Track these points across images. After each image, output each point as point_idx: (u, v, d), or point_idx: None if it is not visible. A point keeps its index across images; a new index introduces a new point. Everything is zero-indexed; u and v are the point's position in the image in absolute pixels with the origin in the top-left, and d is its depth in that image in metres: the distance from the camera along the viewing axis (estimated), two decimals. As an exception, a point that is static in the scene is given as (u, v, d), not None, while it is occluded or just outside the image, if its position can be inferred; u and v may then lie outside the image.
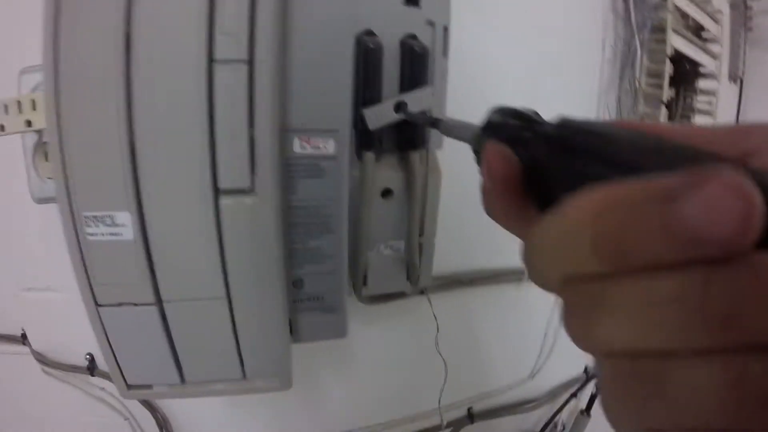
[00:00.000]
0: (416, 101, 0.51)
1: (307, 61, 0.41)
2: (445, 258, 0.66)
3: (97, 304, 0.40)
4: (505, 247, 0.83)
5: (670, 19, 0.85)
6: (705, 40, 1.00)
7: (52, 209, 0.63)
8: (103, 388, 0.74)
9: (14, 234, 0.67)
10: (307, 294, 0.49)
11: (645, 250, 0.12)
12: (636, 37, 0.84)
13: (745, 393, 0.11)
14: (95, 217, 0.37)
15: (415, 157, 0.55)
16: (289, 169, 0.43)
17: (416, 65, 0.52)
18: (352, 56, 0.43)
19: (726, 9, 1.13)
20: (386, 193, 0.56)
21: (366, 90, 0.49)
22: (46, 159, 0.59)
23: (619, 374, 0.14)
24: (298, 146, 0.42)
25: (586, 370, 1.08)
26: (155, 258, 0.38)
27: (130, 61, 0.34)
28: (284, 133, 0.41)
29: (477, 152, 0.24)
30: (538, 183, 0.20)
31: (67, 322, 0.69)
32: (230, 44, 0.35)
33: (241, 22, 0.35)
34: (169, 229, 0.37)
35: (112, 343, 0.41)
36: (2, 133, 0.50)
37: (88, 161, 0.36)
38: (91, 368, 0.72)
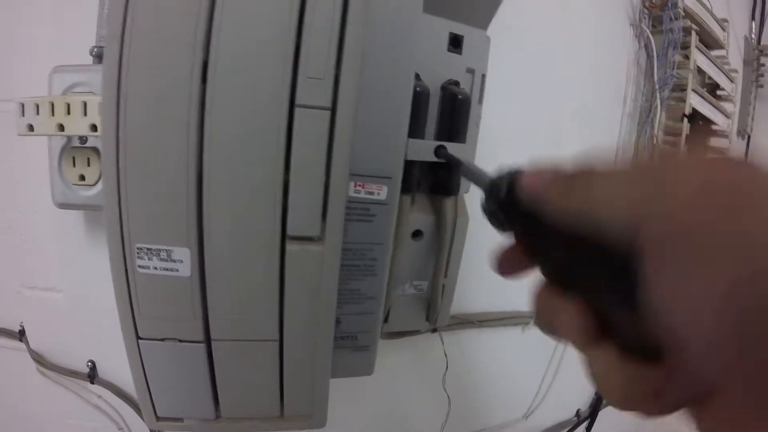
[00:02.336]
0: (454, 150, 0.52)
1: (370, 106, 0.41)
2: (457, 299, 0.66)
3: (138, 337, 0.38)
4: (513, 292, 0.84)
5: (691, 78, 0.88)
6: (719, 98, 1.03)
7: (71, 214, 0.62)
8: (100, 396, 0.72)
9: (26, 231, 0.66)
10: (342, 332, 0.48)
11: None
12: (657, 94, 0.86)
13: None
14: (149, 249, 0.35)
15: (448, 202, 0.55)
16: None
17: (457, 111, 0.52)
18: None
19: (740, 67, 1.17)
20: (416, 234, 0.56)
21: (410, 130, 0.49)
22: (74, 164, 0.58)
23: None
24: (352, 190, 0.42)
25: (578, 413, 1.09)
26: (210, 297, 0.37)
27: (206, 91, 0.33)
28: None
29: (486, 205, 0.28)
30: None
31: (70, 325, 0.68)
32: (315, 90, 0.34)
33: (328, 67, 0.34)
34: (230, 270, 0.36)
35: (147, 375, 0.40)
36: (30, 133, 0.48)
37: (149, 190, 0.34)
38: (92, 376, 0.70)
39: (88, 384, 0.70)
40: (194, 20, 0.32)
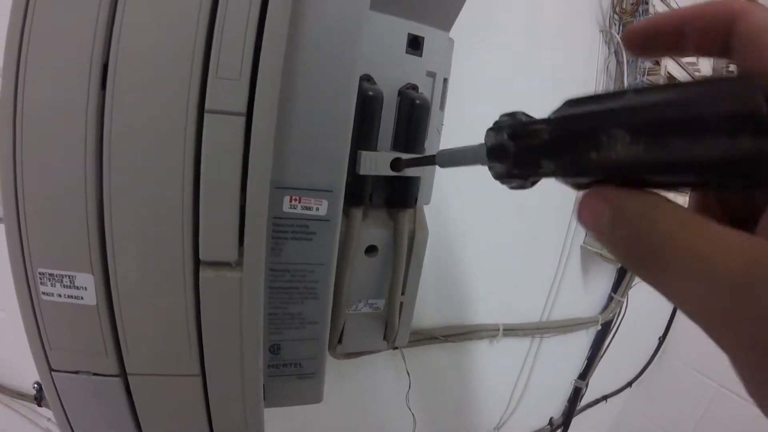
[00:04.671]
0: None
1: (306, 112, 0.37)
2: (420, 313, 0.63)
3: (50, 369, 0.35)
4: (480, 304, 0.82)
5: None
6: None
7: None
8: (49, 419, 0.69)
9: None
10: (283, 360, 0.45)
11: None
12: (627, 99, 0.84)
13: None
14: (52, 275, 0.32)
15: (405, 215, 0.52)
16: (275, 228, 0.39)
17: (415, 118, 0.49)
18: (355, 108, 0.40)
19: (709, 73, 1.16)
20: (371, 249, 0.53)
21: (360, 139, 0.46)
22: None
23: None
24: (287, 205, 0.39)
25: (551, 421, 1.07)
26: (120, 328, 0.33)
27: (105, 98, 0.29)
28: (273, 188, 0.37)
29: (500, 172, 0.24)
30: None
31: (14, 345, 0.64)
32: (227, 92, 0.30)
33: (244, 66, 0.30)
34: (139, 298, 0.33)
35: (66, 409, 0.36)
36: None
37: (47, 210, 0.31)
38: (39, 398, 0.67)
39: (36, 406, 0.67)
40: (94, 16, 0.29)
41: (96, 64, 0.29)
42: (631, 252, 0.17)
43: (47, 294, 0.33)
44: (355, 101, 0.38)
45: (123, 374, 0.35)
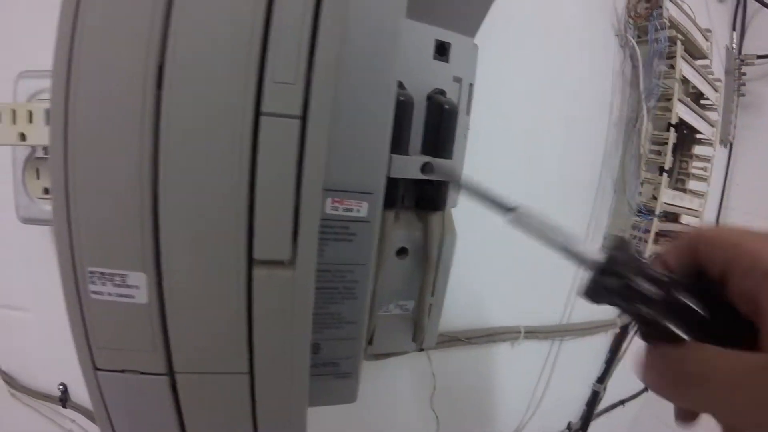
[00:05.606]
0: (442, 168, 0.49)
1: (349, 116, 0.38)
2: (444, 316, 0.64)
3: (95, 368, 0.35)
4: (503, 307, 0.82)
5: (677, 89, 0.86)
6: (703, 107, 1.02)
7: (37, 230, 0.58)
8: (74, 421, 0.69)
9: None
10: (322, 359, 0.45)
11: None
12: (643, 104, 0.85)
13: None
14: (102, 274, 0.32)
15: (435, 218, 0.53)
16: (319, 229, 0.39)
17: (444, 122, 0.49)
18: (391, 115, 0.41)
19: (722, 76, 1.16)
20: (401, 252, 0.53)
21: (392, 143, 0.45)
22: (38, 177, 0.55)
23: None
24: (329, 207, 0.39)
25: (569, 426, 1.07)
26: (171, 326, 0.33)
27: (161, 98, 0.29)
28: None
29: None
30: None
31: (40, 346, 0.65)
32: (283, 96, 0.30)
33: (299, 71, 0.30)
34: (191, 297, 0.33)
35: (109, 409, 0.36)
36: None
37: (100, 208, 0.30)
38: (63, 399, 0.67)
39: (61, 408, 0.68)
40: (149, 17, 0.29)
41: (152, 64, 0.29)
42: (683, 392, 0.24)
43: (96, 293, 0.32)
44: (394, 104, 0.39)
45: (170, 373, 0.35)
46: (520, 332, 0.83)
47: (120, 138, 0.30)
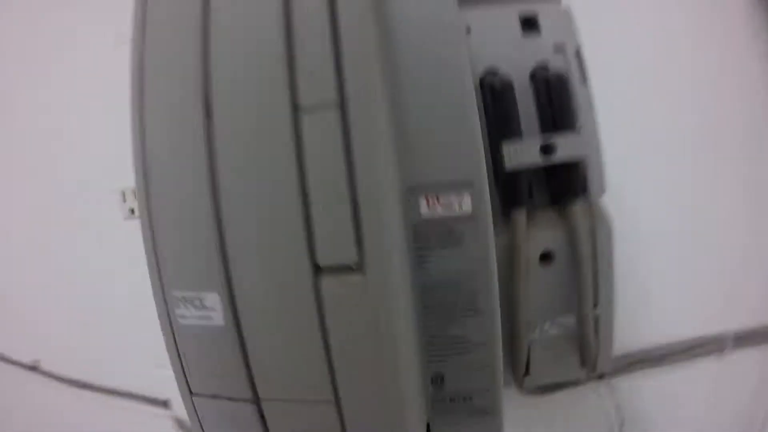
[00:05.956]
0: (567, 144, 0.43)
1: (424, 105, 0.34)
2: (623, 332, 0.52)
3: (191, 393, 0.35)
4: (698, 311, 0.65)
5: None
6: None
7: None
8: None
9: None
10: (449, 393, 0.39)
11: None
12: None
13: None
14: (184, 297, 0.32)
15: (577, 208, 0.44)
16: (417, 238, 0.35)
17: (555, 96, 0.45)
18: (478, 93, 0.41)
19: None
20: (545, 257, 0.46)
21: (502, 133, 0.44)
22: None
23: None
24: (425, 208, 0.34)
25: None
26: (249, 348, 0.31)
27: (211, 126, 0.30)
28: (407, 193, 0.34)
29: None
30: None
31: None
32: (315, 85, 0.28)
33: (325, 58, 0.28)
34: (263, 314, 0.30)
35: None
36: (132, 216, 0.61)
37: (176, 236, 0.32)
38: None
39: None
40: (191, 65, 0.30)
41: (198, 97, 0.30)
42: None
43: (183, 317, 0.32)
44: (471, 88, 0.35)
45: (256, 399, 0.33)
46: (726, 340, 0.65)
47: (182, 167, 0.31)
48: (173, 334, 0.33)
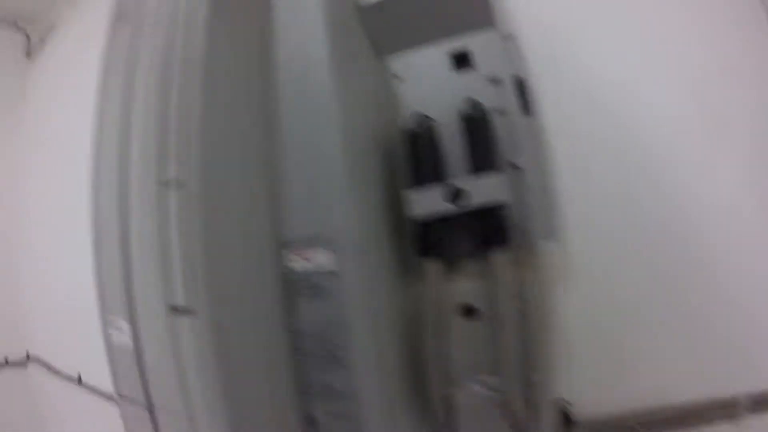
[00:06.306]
0: (480, 189, 0.40)
1: (293, 162, 0.37)
2: (610, 392, 0.50)
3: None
4: (704, 368, 0.56)
5: None
6: None
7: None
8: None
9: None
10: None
11: None
12: None
13: None
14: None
15: (498, 259, 0.42)
16: (288, 286, 0.39)
17: (475, 135, 0.42)
18: (342, 152, 0.38)
19: None
20: (469, 312, 0.44)
21: (415, 179, 0.42)
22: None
23: None
24: (295, 261, 0.38)
25: None
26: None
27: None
28: (280, 246, 0.38)
29: None
30: None
31: None
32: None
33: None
34: (151, 340, 0.38)
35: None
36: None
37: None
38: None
39: None
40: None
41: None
42: None
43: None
44: (341, 138, 0.37)
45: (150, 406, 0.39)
46: (739, 405, 0.53)
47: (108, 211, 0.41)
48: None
